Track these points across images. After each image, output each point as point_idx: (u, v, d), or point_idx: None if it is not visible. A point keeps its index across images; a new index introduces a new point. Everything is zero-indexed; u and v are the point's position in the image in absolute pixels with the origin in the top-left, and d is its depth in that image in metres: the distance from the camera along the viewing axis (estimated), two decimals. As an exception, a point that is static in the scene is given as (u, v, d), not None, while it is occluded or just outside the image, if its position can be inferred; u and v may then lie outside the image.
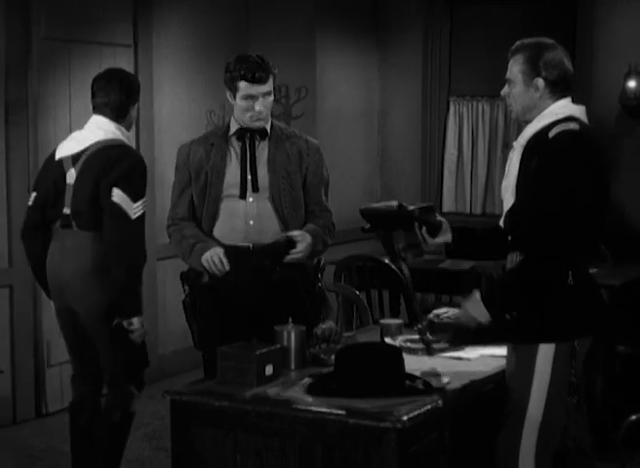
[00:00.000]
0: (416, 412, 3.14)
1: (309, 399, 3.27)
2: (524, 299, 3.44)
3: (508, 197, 3.53)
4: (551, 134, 3.40)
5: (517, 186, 3.47)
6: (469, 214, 7.75)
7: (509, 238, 3.56)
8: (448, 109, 7.81)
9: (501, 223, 3.60)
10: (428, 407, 3.22)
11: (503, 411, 3.53)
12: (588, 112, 7.16)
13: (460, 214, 7.79)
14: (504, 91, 3.60)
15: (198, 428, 3.36)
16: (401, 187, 7.97)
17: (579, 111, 3.55)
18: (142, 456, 5.28)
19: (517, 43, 3.58)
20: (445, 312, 4.14)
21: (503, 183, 3.58)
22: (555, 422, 3.52)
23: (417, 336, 4.02)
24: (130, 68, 6.49)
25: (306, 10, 7.39)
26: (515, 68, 3.52)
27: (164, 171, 6.79)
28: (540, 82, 3.49)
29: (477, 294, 3.47)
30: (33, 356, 5.89)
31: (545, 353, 3.43)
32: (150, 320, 6.71)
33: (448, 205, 7.88)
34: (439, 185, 7.89)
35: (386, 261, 6.01)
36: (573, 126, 3.42)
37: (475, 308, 3.48)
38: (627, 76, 6.96)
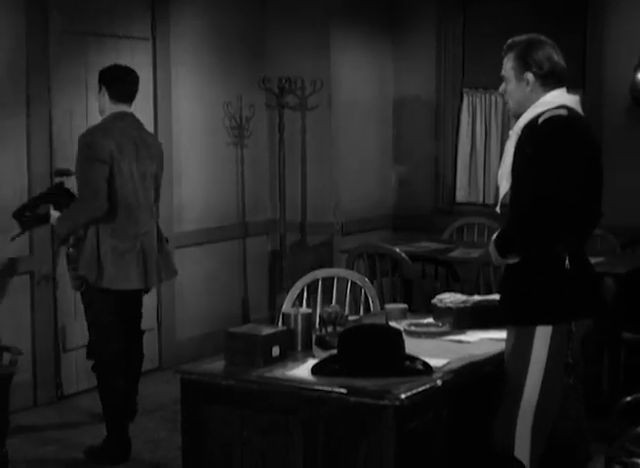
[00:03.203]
0: (414, 391, 3.26)
1: (313, 378, 3.40)
2: (522, 283, 3.58)
3: (504, 184, 3.67)
4: (540, 120, 3.54)
5: (512, 173, 3.61)
6: (482, 205, 7.83)
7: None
8: (461, 101, 7.89)
9: (498, 209, 3.75)
10: (426, 386, 3.34)
11: (501, 393, 3.65)
12: (599, 104, 7.34)
13: (472, 205, 7.88)
14: (501, 88, 3.77)
15: (207, 406, 3.50)
16: (415, 178, 8.07)
17: (572, 101, 3.66)
18: (158, 438, 5.43)
19: (508, 41, 3.74)
20: (448, 297, 4.28)
21: (499, 171, 3.72)
22: (551, 403, 3.62)
23: (420, 321, 4.16)
24: (148, 61, 6.63)
25: (321, 2, 7.49)
26: (507, 66, 3.70)
27: (181, 161, 6.94)
28: (530, 76, 3.64)
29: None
30: (53, 340, 6.05)
31: (542, 335, 3.54)
32: (168, 306, 6.88)
33: (461, 195, 7.96)
34: (452, 176, 7.98)
35: (397, 250, 6.12)
36: (561, 112, 3.55)
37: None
38: (638, 68, 7.00)
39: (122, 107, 5.19)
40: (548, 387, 3.58)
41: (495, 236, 3.69)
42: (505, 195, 3.68)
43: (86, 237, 5.05)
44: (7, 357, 4.55)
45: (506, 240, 3.63)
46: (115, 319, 5.15)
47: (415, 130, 8.03)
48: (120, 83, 5.18)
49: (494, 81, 7.55)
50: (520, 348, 3.58)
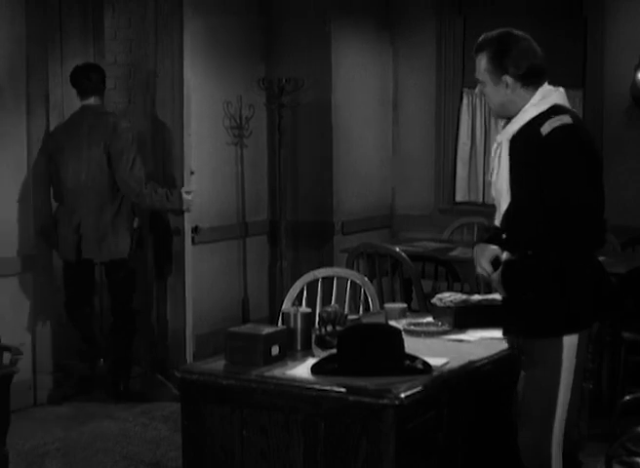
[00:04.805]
0: (414, 390, 3.26)
1: (312, 377, 3.40)
2: (546, 293, 3.38)
3: (505, 196, 3.42)
4: (544, 130, 3.31)
5: (512, 182, 3.40)
6: (482, 204, 7.83)
7: (505, 236, 3.46)
8: (461, 100, 7.90)
9: (497, 223, 3.50)
10: (426, 385, 3.34)
11: (522, 410, 3.48)
12: (599, 104, 7.33)
13: (472, 204, 7.88)
14: (478, 90, 3.52)
15: (207, 405, 3.50)
16: (414, 177, 8.07)
17: (560, 98, 3.44)
18: (159, 437, 5.43)
19: (480, 39, 3.48)
20: (448, 296, 4.28)
21: (497, 182, 3.46)
22: (573, 411, 3.49)
23: (419, 320, 4.17)
24: (148, 61, 6.63)
25: (322, 2, 7.49)
26: (481, 68, 3.45)
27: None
28: (509, 79, 3.39)
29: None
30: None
31: (570, 343, 3.38)
32: (178, 304, 6.86)
33: (461, 195, 7.97)
34: (452, 175, 7.98)
35: (397, 249, 6.12)
36: (566, 120, 3.33)
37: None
38: (638, 68, 7.01)
39: (86, 101, 5.85)
40: (574, 395, 3.43)
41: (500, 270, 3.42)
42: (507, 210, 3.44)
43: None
44: (7, 357, 4.55)
45: (523, 271, 3.39)
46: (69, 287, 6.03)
47: (415, 129, 8.04)
48: (78, 83, 5.82)
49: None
50: (549, 361, 3.39)
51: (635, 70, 7.01)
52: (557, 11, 7.41)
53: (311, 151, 7.54)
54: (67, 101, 6.13)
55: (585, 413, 5.07)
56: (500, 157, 3.45)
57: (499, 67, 3.40)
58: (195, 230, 6.24)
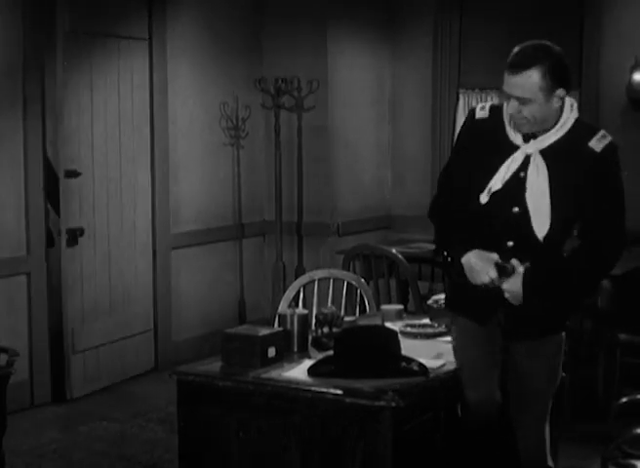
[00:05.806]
0: (410, 392, 3.28)
1: (309, 379, 3.41)
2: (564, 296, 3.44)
3: (544, 207, 3.33)
4: (596, 146, 3.31)
5: (556, 194, 3.34)
6: (478, 205, 7.82)
7: (513, 243, 3.40)
8: (457, 101, 7.90)
9: (541, 237, 3.36)
10: (423, 387, 3.36)
11: (523, 411, 3.52)
12: (595, 104, 7.30)
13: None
14: (514, 109, 3.29)
15: (203, 407, 3.51)
16: (411, 178, 8.07)
17: (577, 109, 3.44)
18: (155, 438, 5.43)
19: (519, 55, 3.29)
20: (444, 298, 4.28)
21: (534, 194, 3.34)
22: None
23: (416, 322, 4.17)
24: (144, 61, 6.63)
25: (319, 2, 7.49)
26: (532, 87, 3.25)
27: (177, 162, 6.93)
28: (562, 91, 3.29)
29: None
30: (51, 341, 6.06)
31: (564, 336, 3.54)
32: (164, 308, 6.88)
33: (457, 196, 7.96)
34: (448, 177, 7.98)
35: (394, 251, 6.13)
36: (609, 136, 3.36)
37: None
38: (634, 69, 7.01)
39: None
40: None
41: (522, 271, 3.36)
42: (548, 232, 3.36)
43: None
44: (4, 358, 4.55)
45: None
46: None
47: (411, 129, 8.04)
48: None
49: (489, 81, 7.66)
50: (557, 357, 3.53)
51: (631, 71, 7.01)
52: (553, 13, 7.40)
53: (308, 152, 7.54)
54: (64, 103, 6.11)
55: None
56: (537, 167, 3.35)
57: (554, 82, 3.27)
58: (79, 233, 6.11)
